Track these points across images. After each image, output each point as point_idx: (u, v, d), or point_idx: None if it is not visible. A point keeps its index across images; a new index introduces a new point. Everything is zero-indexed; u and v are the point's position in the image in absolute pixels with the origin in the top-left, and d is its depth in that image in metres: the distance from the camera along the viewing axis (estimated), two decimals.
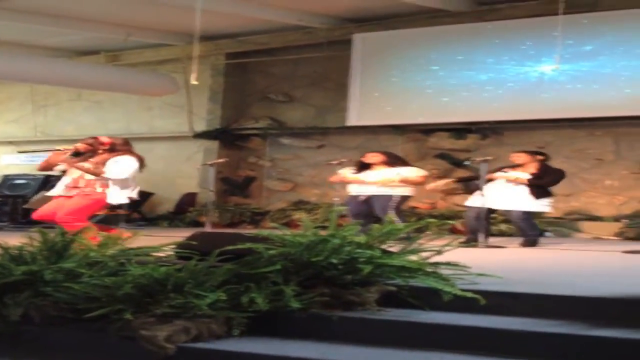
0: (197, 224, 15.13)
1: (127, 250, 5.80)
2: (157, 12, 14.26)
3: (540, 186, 10.28)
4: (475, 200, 10.29)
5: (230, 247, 5.20)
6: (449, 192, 14.17)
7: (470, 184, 11.06)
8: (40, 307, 5.30)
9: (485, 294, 4.98)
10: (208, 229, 11.79)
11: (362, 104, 14.53)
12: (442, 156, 14.41)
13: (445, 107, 13.86)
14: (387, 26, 14.41)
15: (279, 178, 16.13)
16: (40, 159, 18.59)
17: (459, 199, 14.01)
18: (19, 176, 16.86)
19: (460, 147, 14.27)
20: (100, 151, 8.83)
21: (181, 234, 5.97)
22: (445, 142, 14.41)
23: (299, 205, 15.47)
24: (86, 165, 8.79)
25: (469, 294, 4.90)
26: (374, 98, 14.48)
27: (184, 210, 16.11)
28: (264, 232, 5.61)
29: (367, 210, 10.62)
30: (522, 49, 13.25)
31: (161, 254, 6.02)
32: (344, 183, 11.14)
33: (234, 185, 16.28)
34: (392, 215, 10.27)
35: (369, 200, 10.67)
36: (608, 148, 13.16)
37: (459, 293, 4.93)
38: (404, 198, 10.86)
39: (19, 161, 18.91)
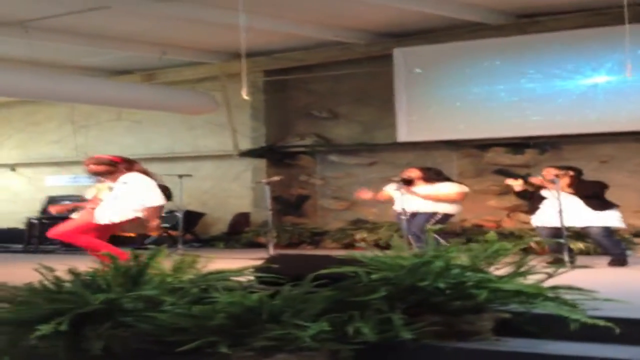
0: (255, 244, 14.74)
1: (206, 275, 5.34)
2: (193, 30, 13.89)
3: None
4: (545, 218, 9.82)
5: (326, 271, 4.72)
6: (513, 209, 13.68)
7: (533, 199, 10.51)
8: (122, 339, 4.86)
9: (613, 321, 4.50)
10: (271, 250, 11.41)
11: (410, 119, 14.05)
12: (500, 172, 13.89)
13: (499, 122, 13.36)
14: (426, 40, 13.98)
15: (333, 196, 15.69)
16: (84, 179, 18.52)
17: (524, 217, 13.54)
18: (64, 197, 16.48)
19: (518, 162, 13.76)
20: (122, 169, 8.49)
21: (245, 256, 5.60)
22: (503, 158, 13.89)
23: (358, 224, 15.03)
24: None
25: (601, 322, 4.40)
26: (422, 113, 13.99)
27: (238, 231, 15.71)
28: (356, 254, 5.14)
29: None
30: (573, 60, 12.75)
31: (241, 279, 5.58)
32: (377, 200, 10.82)
33: (287, 205, 15.83)
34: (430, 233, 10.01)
35: (414, 217, 10.30)
36: None
37: (588, 321, 4.43)
38: (446, 216, 10.46)
39: (63, 182, 18.64)
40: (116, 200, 8.26)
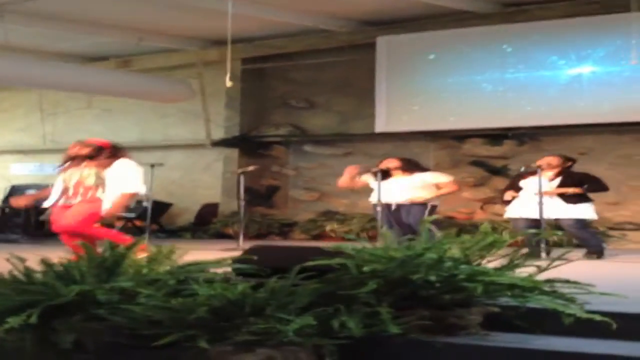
0: (222, 235, 14.52)
1: (185, 267, 5.10)
2: (170, 16, 13.67)
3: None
4: (521, 210, 9.65)
5: (313, 263, 4.51)
6: (487, 201, 13.54)
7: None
8: (94, 333, 4.61)
9: (608, 315, 4.31)
10: (240, 241, 11.18)
11: (389, 109, 13.88)
12: (477, 163, 13.75)
13: (479, 112, 13.21)
14: (410, 29, 13.79)
15: (304, 187, 15.48)
16: (49, 167, 18.17)
17: (498, 209, 13.39)
18: (28, 186, 16.13)
19: (496, 153, 13.63)
20: (104, 156, 8.11)
21: (214, 247, 5.38)
22: (480, 149, 13.75)
23: (328, 215, 14.83)
24: None
25: (597, 317, 4.22)
26: (402, 103, 13.83)
27: (205, 222, 15.45)
28: (343, 246, 4.92)
29: (398, 220, 9.92)
30: (558, 51, 12.61)
31: (218, 270, 5.34)
32: (352, 188, 10.51)
33: (257, 195, 15.60)
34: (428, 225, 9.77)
35: (399, 209, 9.95)
36: None
37: (584, 315, 4.25)
38: (434, 207, 10.20)
39: (27, 171, 18.31)
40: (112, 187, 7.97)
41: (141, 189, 8.16)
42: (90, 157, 7.99)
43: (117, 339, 4.57)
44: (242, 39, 14.94)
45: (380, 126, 13.91)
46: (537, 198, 9.41)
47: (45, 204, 8.19)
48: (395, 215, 9.90)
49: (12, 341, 4.64)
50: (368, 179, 10.32)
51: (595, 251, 9.65)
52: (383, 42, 13.79)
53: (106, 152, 8.05)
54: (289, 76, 15.52)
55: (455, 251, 4.64)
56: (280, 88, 15.61)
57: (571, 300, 4.35)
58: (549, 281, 4.53)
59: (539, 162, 9.68)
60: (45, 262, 4.85)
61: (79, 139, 17.10)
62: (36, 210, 14.79)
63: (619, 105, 12.19)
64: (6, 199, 15.67)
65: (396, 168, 9.96)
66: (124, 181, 7.93)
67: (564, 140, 12.98)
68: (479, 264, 4.62)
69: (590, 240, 9.77)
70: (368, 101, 14.26)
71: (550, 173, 9.75)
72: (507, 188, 10.15)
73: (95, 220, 7.88)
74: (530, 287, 4.40)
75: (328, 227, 14.25)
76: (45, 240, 13.10)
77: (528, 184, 9.70)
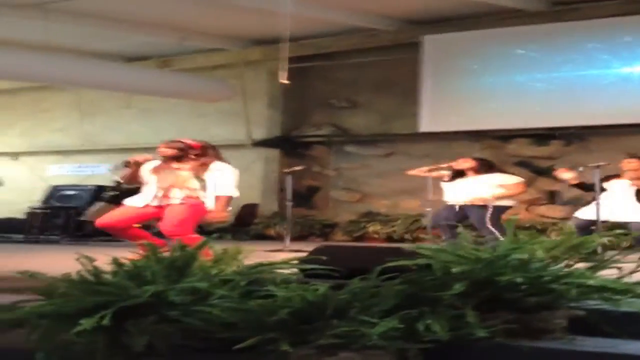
0: (264, 236, 14.42)
1: (255, 267, 4.97)
2: (213, 15, 13.59)
3: None
4: (585, 212, 9.43)
5: (395, 263, 4.36)
6: (532, 203, 13.35)
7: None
8: (167, 335, 4.48)
9: None
10: (287, 242, 11.09)
11: (434, 109, 13.74)
12: (522, 164, 13.55)
13: (526, 112, 13.03)
14: (456, 27, 13.64)
15: (345, 188, 15.34)
16: (88, 168, 18.15)
17: (544, 210, 13.23)
18: (68, 187, 16.09)
19: (542, 154, 13.45)
20: (192, 156, 7.89)
21: (258, 248, 5.26)
22: (526, 149, 13.57)
23: (369, 216, 14.69)
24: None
25: None
26: (446, 103, 13.68)
27: (245, 223, 15.33)
28: (421, 246, 4.78)
29: (460, 220, 9.77)
30: (609, 49, 12.42)
31: (286, 271, 5.21)
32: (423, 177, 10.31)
33: (297, 196, 15.43)
34: (489, 226, 9.63)
35: (463, 209, 9.83)
36: None
37: None
38: (503, 208, 9.99)
39: (66, 171, 18.28)
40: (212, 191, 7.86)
41: (236, 192, 8.05)
42: (177, 157, 7.80)
43: (191, 342, 4.45)
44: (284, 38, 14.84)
45: (424, 126, 13.77)
46: (620, 201, 9.19)
47: (131, 203, 7.95)
48: (458, 215, 9.77)
49: (82, 343, 4.52)
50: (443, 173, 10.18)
51: None
52: (429, 41, 13.66)
53: (195, 152, 7.85)
54: (331, 76, 15.40)
55: (540, 252, 4.47)
56: (322, 88, 15.49)
57: None
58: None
59: (625, 166, 9.50)
60: (115, 262, 4.73)
61: (118, 139, 17.31)
62: (76, 211, 14.78)
63: None
64: (47, 199, 15.63)
65: (471, 168, 9.82)
66: (224, 184, 7.82)
67: (612, 140, 12.78)
68: (568, 266, 4.46)
69: None
70: (410, 101, 14.13)
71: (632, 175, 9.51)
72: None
73: (196, 223, 7.78)
74: (623, 290, 4.22)
75: (371, 228, 14.13)
76: (86, 241, 13.05)
77: (612, 186, 9.45)
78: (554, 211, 13.35)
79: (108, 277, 4.80)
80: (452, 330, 4.16)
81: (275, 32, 14.31)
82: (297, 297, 4.21)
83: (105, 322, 4.38)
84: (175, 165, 7.79)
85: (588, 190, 9.76)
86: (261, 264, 4.99)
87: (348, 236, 14.41)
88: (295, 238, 13.88)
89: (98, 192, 15.11)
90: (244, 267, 5.05)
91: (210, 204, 7.80)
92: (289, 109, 15.80)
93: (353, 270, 4.75)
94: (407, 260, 4.43)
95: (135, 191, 13.73)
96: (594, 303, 4.43)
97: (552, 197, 13.41)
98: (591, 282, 4.27)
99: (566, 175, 9.93)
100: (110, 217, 7.98)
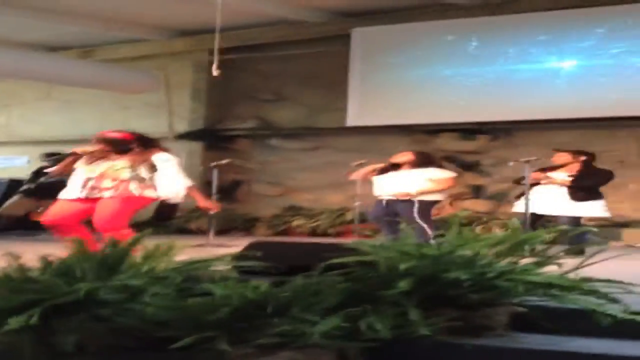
0: (185, 231, 14.17)
1: (190, 264, 4.81)
2: (136, 5, 13.27)
3: (582, 188, 9.43)
4: (519, 206, 9.43)
5: (339, 260, 4.25)
6: (457, 197, 13.35)
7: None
8: (97, 334, 4.30)
9: None
10: (211, 237, 10.92)
11: (362, 103, 13.63)
12: (448, 159, 13.51)
13: (454, 106, 13.01)
14: (387, 20, 13.53)
15: (268, 182, 15.18)
16: (5, 161, 17.66)
17: (468, 204, 13.25)
18: None
19: (469, 148, 13.44)
20: (135, 148, 7.66)
21: (181, 243, 5.08)
22: (453, 144, 13.55)
23: (292, 211, 14.54)
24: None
25: None
26: (375, 97, 13.58)
27: (166, 217, 15.03)
28: (362, 242, 4.67)
29: (391, 215, 9.67)
30: (536, 43, 12.46)
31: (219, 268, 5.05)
32: (365, 181, 10.15)
33: (221, 190, 15.22)
34: (419, 221, 9.55)
35: (392, 204, 9.71)
36: (632, 150, 12.39)
37: (626, 316, 4.03)
38: (431, 203, 9.92)
39: None
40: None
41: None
42: (116, 150, 7.54)
43: (123, 341, 4.28)
44: (210, 29, 14.60)
45: (352, 120, 13.66)
46: (549, 194, 9.21)
47: (63, 196, 7.67)
48: (388, 210, 9.66)
49: (9, 343, 4.33)
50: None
51: (578, 249, 9.44)
52: (358, 34, 13.53)
53: (134, 145, 7.60)
54: (257, 68, 15.22)
55: (485, 249, 4.40)
56: (247, 80, 15.28)
57: (613, 300, 4.12)
58: (587, 280, 4.29)
59: (556, 160, 9.53)
60: (44, 259, 4.53)
61: (36, 131, 16.86)
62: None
63: (598, 99, 12.07)
64: None
65: (407, 162, 9.72)
66: (175, 178, 7.60)
67: (538, 135, 12.84)
68: (512, 262, 4.39)
69: (577, 238, 9.56)
70: (338, 94, 14.02)
71: (574, 170, 9.53)
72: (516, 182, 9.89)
73: (129, 217, 7.52)
74: (570, 287, 4.16)
75: (294, 223, 13.97)
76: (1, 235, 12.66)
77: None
78: (478, 205, 13.37)
79: (35, 274, 4.61)
80: (395, 329, 4.06)
81: (201, 23, 14.11)
82: (236, 295, 4.07)
83: (34, 321, 4.20)
84: (113, 156, 7.56)
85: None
86: (196, 261, 4.83)
87: (271, 230, 14.24)
88: (218, 232, 13.68)
89: (13, 186, 14.66)
90: (177, 263, 4.89)
91: (156, 193, 7.58)
92: (213, 102, 15.57)
93: (291, 267, 4.64)
94: (349, 257, 4.31)
95: (53, 184, 13.41)
96: (536, 299, 4.38)
97: (476, 192, 13.43)
98: (537, 278, 4.20)
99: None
100: (52, 213, 7.66)
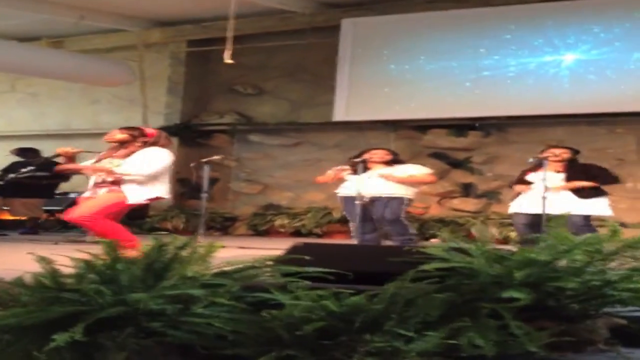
0: (159, 230, 13.57)
1: (239, 270, 4.27)
2: None
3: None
4: (523, 205, 8.97)
5: (435, 265, 3.75)
6: (445, 196, 12.93)
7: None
8: (147, 351, 3.77)
9: None
10: (199, 236, 10.33)
11: (350, 97, 13.11)
12: (437, 155, 13.09)
13: (445, 101, 12.56)
14: (377, 11, 13.03)
15: (246, 180, 14.62)
16: None
17: (456, 203, 12.85)
18: None
19: (459, 145, 13.00)
20: (139, 143, 7.26)
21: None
22: (443, 140, 13.09)
23: (271, 209, 14.01)
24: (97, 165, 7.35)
25: None
26: (363, 91, 13.08)
27: (137, 215, 14.41)
28: (438, 245, 4.17)
29: (369, 215, 9.16)
30: (532, 36, 12.06)
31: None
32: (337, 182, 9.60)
33: (193, 188, 14.65)
34: (402, 219, 9.07)
35: (371, 203, 9.16)
36: (630, 147, 12.04)
37: None
38: (411, 201, 9.46)
39: None
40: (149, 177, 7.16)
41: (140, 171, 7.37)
42: (124, 143, 7.17)
43: (175, 358, 3.75)
44: (188, 19, 14.06)
45: (339, 115, 13.15)
46: (547, 193, 8.73)
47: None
48: (368, 209, 9.14)
49: None
50: (344, 172, 9.50)
51: None
52: (348, 25, 13.01)
53: (144, 140, 7.21)
54: (237, 60, 14.60)
55: (581, 255, 3.92)
56: (227, 73, 14.68)
57: None
58: None
59: (544, 154, 9.02)
60: (88, 264, 3.98)
61: None
62: None
63: (593, 95, 11.71)
64: None
65: (381, 160, 9.20)
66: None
67: (532, 131, 12.47)
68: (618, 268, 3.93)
69: None
70: (322, 88, 13.54)
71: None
72: (516, 182, 9.38)
73: (108, 212, 7.09)
74: None
75: (277, 222, 13.44)
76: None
77: (538, 178, 8.98)
78: (468, 204, 12.95)
79: (70, 281, 4.07)
80: (497, 345, 3.58)
81: (179, 13, 13.55)
82: (317, 308, 3.55)
83: (78, 336, 3.65)
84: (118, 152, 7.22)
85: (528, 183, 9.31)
86: (248, 266, 4.30)
87: (252, 230, 13.71)
88: (192, 232, 13.13)
89: None
90: (218, 268, 4.36)
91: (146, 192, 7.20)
92: (190, 95, 15.00)
93: (360, 274, 4.15)
94: (441, 263, 3.82)
95: (22, 182, 12.74)
96: (630, 310, 3.94)
97: (466, 190, 13.01)
98: None
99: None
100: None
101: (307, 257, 4.45)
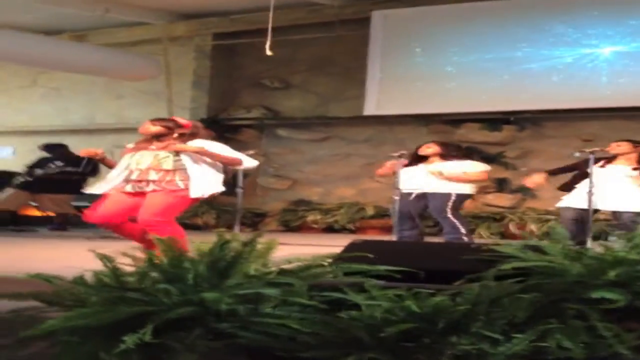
0: (189, 226, 13.41)
1: (305, 268, 4.10)
2: None
3: None
4: (573, 200, 8.74)
5: (517, 264, 3.59)
6: (478, 191, 12.72)
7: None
8: (216, 353, 3.62)
9: None
10: (236, 231, 10.18)
11: (381, 91, 12.91)
12: (471, 150, 12.85)
13: (480, 95, 12.35)
14: (408, 3, 12.83)
15: (275, 175, 14.47)
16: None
17: (490, 199, 12.66)
18: None
19: (493, 140, 12.79)
20: (176, 135, 7.01)
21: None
22: (476, 135, 12.88)
23: (302, 204, 13.85)
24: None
25: None
26: (395, 84, 12.88)
27: None
28: (508, 243, 4.02)
29: (419, 210, 9.02)
30: (570, 28, 11.84)
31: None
32: (393, 176, 9.40)
33: (226, 183, 14.47)
34: (450, 216, 8.92)
35: (422, 198, 9.03)
36: None
37: None
38: (464, 197, 9.28)
39: None
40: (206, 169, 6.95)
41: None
42: (158, 136, 6.93)
43: None
44: (214, 12, 13.89)
45: (370, 109, 12.96)
46: (611, 188, 8.53)
47: (103, 189, 7.00)
48: (415, 204, 9.00)
49: None
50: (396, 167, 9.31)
51: None
52: (378, 17, 12.79)
53: (181, 132, 6.99)
54: (264, 54, 14.44)
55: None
56: (254, 67, 14.52)
57: None
58: None
59: (611, 149, 8.82)
60: (152, 262, 3.83)
61: (22, 120, 16.04)
62: None
63: (630, 88, 11.49)
64: None
65: (435, 154, 9.05)
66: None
67: (567, 125, 12.27)
68: None
69: None
70: (350, 82, 13.38)
71: (623, 160, 8.84)
72: (577, 177, 9.05)
73: (177, 213, 6.88)
74: None
75: (310, 218, 13.28)
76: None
77: (603, 173, 8.72)
78: (502, 200, 12.76)
79: (132, 279, 3.92)
80: (586, 347, 3.43)
81: (204, 6, 13.40)
82: (399, 309, 3.39)
83: (147, 337, 3.51)
84: (154, 145, 6.93)
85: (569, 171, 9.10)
86: (315, 264, 4.14)
87: (283, 226, 13.55)
88: (224, 228, 12.99)
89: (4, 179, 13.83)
90: (280, 265, 4.20)
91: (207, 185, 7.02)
92: (217, 90, 14.83)
93: (428, 272, 3.99)
94: (520, 262, 3.65)
95: (51, 178, 12.61)
96: None
97: (500, 185, 12.81)
98: None
99: (537, 179, 9.25)
100: (101, 211, 6.96)
101: (370, 255, 4.31)
